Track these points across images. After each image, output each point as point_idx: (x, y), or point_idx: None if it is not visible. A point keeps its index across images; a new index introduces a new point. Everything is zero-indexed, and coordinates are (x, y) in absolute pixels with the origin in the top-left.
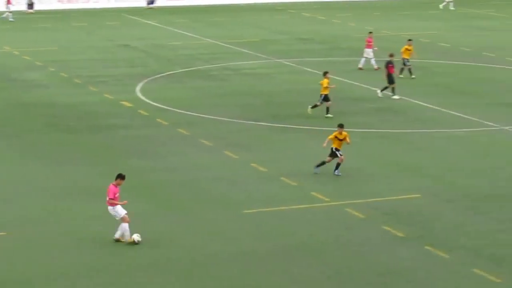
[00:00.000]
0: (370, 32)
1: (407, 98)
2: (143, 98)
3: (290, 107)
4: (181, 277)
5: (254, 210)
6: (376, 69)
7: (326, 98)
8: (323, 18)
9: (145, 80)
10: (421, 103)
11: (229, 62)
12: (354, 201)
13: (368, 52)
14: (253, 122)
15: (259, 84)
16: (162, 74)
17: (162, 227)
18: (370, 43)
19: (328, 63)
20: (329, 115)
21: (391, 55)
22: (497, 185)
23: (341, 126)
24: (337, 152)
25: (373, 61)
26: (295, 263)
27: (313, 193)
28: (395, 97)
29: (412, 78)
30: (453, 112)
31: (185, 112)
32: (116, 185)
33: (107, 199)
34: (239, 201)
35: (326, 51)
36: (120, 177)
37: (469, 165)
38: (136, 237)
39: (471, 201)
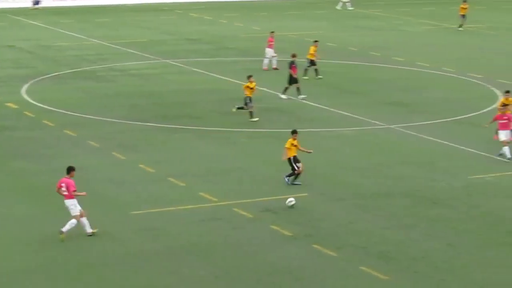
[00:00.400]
0: (272, 32)
1: (295, 98)
2: (28, 99)
3: (178, 108)
4: (68, 279)
5: (142, 211)
6: (274, 69)
7: (249, 100)
8: (210, 18)
9: (31, 81)
10: (310, 102)
11: (116, 63)
12: (242, 201)
13: (270, 52)
14: (141, 123)
15: (146, 84)
16: (49, 75)
17: (47, 230)
18: (272, 43)
19: (216, 63)
20: (253, 119)
21: (294, 56)
22: (384, 183)
23: (294, 132)
24: (295, 165)
25: (274, 60)
26: (184, 264)
27: (201, 193)
28: (301, 96)
29: (319, 78)
30: (341, 112)
31: (72, 113)
32: (70, 178)
33: (70, 191)
34: (127, 202)
35: (214, 51)
36: (72, 169)
37: (357, 163)
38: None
39: (359, 199)
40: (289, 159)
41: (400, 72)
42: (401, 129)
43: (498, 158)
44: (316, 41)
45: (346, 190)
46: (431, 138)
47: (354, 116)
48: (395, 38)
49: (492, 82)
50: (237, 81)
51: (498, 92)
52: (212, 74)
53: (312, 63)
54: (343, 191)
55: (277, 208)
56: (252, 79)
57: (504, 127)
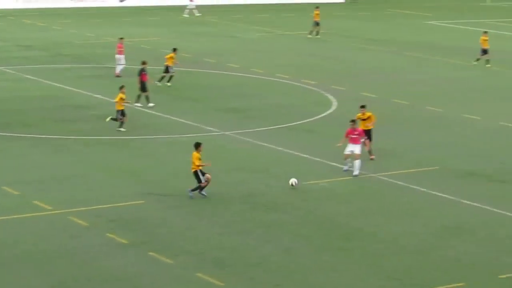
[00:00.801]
0: (121, 38)
1: (129, 105)
2: None
3: (11, 115)
4: None
5: None
6: (117, 75)
7: (122, 113)
8: (43, 25)
9: None
10: (144, 109)
11: None
12: (78, 209)
13: (120, 58)
14: None
15: None
16: None
17: None
18: (121, 49)
19: (50, 70)
20: (121, 129)
21: (144, 63)
22: (220, 189)
23: (199, 145)
24: (202, 177)
25: (120, 67)
26: (18, 274)
27: (35, 202)
28: (151, 104)
29: (168, 85)
30: (176, 118)
31: None
32: None
33: None
34: None
35: (48, 58)
36: None
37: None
38: None
39: (194, 206)
40: (195, 172)
41: (235, 78)
42: (236, 135)
43: (344, 172)
44: (174, 49)
45: (181, 197)
46: (266, 144)
47: (189, 122)
48: (230, 45)
49: (326, 88)
50: (72, 88)
51: (332, 98)
52: (46, 81)
53: (167, 70)
54: (178, 198)
55: (113, 216)
56: (124, 89)
57: (354, 141)
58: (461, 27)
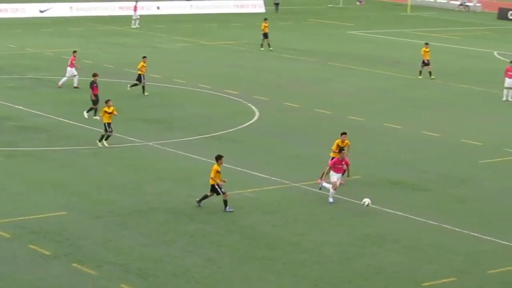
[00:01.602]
0: (75, 51)
1: (52, 116)
2: None
3: None
4: None
5: None
6: (59, 87)
7: (108, 126)
8: None
9: None
10: (66, 120)
11: None
12: (0, 221)
13: (71, 71)
14: None
15: None
16: None
17: None
18: (73, 62)
19: None
20: (105, 143)
21: (95, 75)
22: (143, 200)
23: (220, 158)
24: (220, 190)
25: (64, 79)
26: None
27: None
28: (96, 117)
29: (145, 95)
30: (97, 129)
31: None
32: None
33: None
34: None
35: None
36: None
37: (115, 181)
38: None
39: (117, 216)
40: (213, 186)
41: (157, 88)
42: (159, 146)
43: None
44: (144, 57)
45: (104, 207)
46: (189, 154)
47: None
48: (152, 55)
49: (248, 98)
50: None
51: (254, 108)
52: None
53: (139, 78)
54: (101, 209)
55: (35, 227)
56: (110, 103)
57: (339, 171)
58: (382, 37)
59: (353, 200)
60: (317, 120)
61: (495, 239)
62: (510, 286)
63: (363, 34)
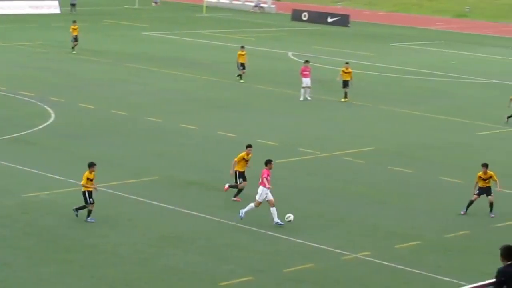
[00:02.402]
0: None
1: None
2: None
3: None
4: None
5: None
6: None
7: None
8: None
9: None
10: None
11: None
12: None
13: None
14: None
15: None
16: None
17: None
18: None
19: None
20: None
21: None
22: None
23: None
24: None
25: None
26: None
27: None
28: None
29: None
30: None
31: None
32: None
33: None
34: None
35: None
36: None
37: None
38: None
39: None
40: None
41: None
42: None
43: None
44: None
45: None
46: None
47: None
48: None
49: (44, 99)
50: None
51: (50, 110)
52: None
53: None
54: None
55: None
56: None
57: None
58: (179, 38)
59: (148, 201)
60: (113, 121)
61: (290, 238)
62: (305, 284)
63: (159, 35)
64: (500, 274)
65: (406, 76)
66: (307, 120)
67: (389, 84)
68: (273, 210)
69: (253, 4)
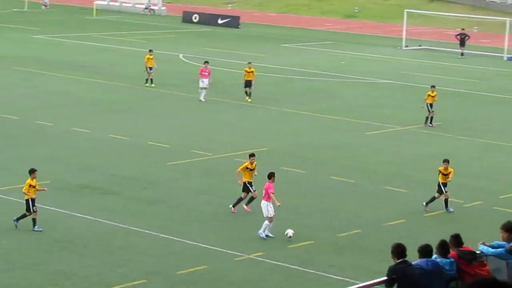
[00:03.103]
0: None
1: None
2: None
3: None
4: None
5: None
6: None
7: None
8: None
9: None
10: None
11: None
12: None
13: None
14: None
15: None
16: None
17: None
18: None
19: None
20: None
21: None
22: None
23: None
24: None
25: None
26: None
27: None
28: None
29: None
30: None
31: None
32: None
33: None
34: None
35: None
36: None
37: None
38: None
39: None
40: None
41: None
42: None
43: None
44: None
45: None
46: None
47: None
48: None
49: None
50: None
51: None
52: None
53: None
54: None
55: None
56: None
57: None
58: (69, 40)
59: (41, 205)
60: (4, 125)
61: (183, 240)
62: (198, 285)
63: (50, 38)
64: (391, 272)
65: (295, 77)
66: (199, 122)
67: (279, 85)
68: (267, 223)
69: (143, 6)
